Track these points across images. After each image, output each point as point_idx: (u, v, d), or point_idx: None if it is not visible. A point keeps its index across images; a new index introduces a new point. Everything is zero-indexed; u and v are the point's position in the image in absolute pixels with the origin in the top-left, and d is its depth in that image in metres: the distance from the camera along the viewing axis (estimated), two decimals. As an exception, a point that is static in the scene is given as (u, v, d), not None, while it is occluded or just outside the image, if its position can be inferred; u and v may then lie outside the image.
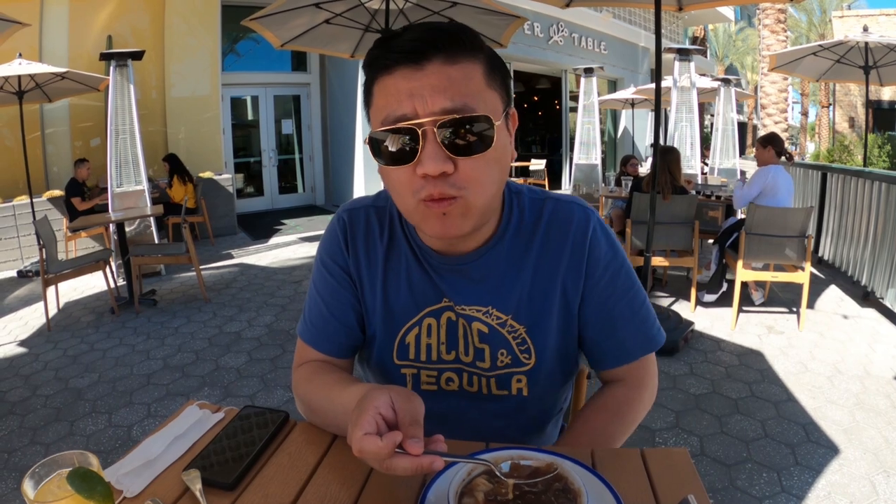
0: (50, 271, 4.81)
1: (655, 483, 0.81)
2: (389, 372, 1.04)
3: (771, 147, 4.90)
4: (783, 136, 15.03)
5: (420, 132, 0.76)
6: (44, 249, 4.73)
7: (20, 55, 5.72)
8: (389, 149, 0.79)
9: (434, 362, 1.02)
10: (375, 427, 0.67)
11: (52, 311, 5.12)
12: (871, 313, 4.87)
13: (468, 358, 1.01)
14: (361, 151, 10.44)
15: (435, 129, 0.76)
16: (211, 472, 0.82)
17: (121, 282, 5.84)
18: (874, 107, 21.40)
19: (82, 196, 6.90)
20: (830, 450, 2.90)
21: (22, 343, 4.58)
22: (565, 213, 0.99)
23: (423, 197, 0.80)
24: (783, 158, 4.88)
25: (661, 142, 5.10)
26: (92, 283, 6.02)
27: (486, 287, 0.97)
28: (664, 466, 0.85)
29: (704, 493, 0.77)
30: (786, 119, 15.81)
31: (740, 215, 4.90)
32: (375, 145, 0.81)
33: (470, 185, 0.80)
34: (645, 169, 8.18)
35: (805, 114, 26.46)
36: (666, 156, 4.99)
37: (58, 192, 7.34)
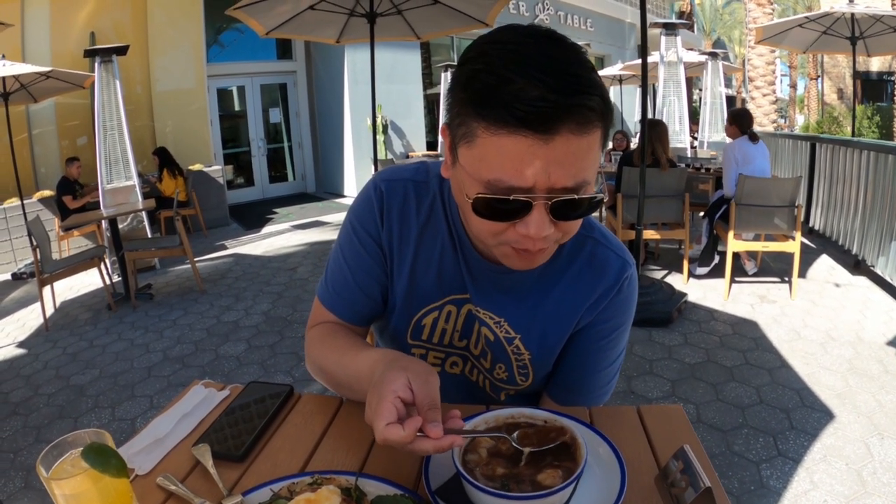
0: (45, 271, 4.80)
1: (652, 437, 0.84)
2: (401, 348, 1.04)
3: (736, 125, 5.04)
4: (771, 108, 15.02)
5: (534, 204, 0.71)
6: (38, 250, 4.72)
7: (3, 56, 5.65)
8: (492, 209, 0.73)
9: (445, 346, 1.03)
10: (395, 414, 0.68)
11: (49, 310, 5.12)
12: (863, 281, 4.92)
13: (476, 351, 1.02)
14: (350, 137, 10.41)
15: (549, 203, 0.71)
16: (220, 445, 0.84)
17: (116, 278, 5.83)
18: (863, 78, 21.43)
19: (73, 194, 6.86)
20: (825, 414, 2.95)
21: (21, 344, 4.58)
22: (602, 261, 0.96)
23: (515, 247, 0.77)
24: (748, 137, 4.95)
25: (650, 116, 5.09)
26: (87, 281, 6.01)
27: (508, 299, 0.96)
28: (660, 422, 0.88)
29: (699, 444, 0.80)
30: (774, 91, 15.78)
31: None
32: (477, 203, 0.74)
33: (564, 236, 0.79)
34: (634, 143, 8.18)
35: (794, 86, 26.45)
36: (654, 129, 5.01)
37: (49, 193, 7.29)
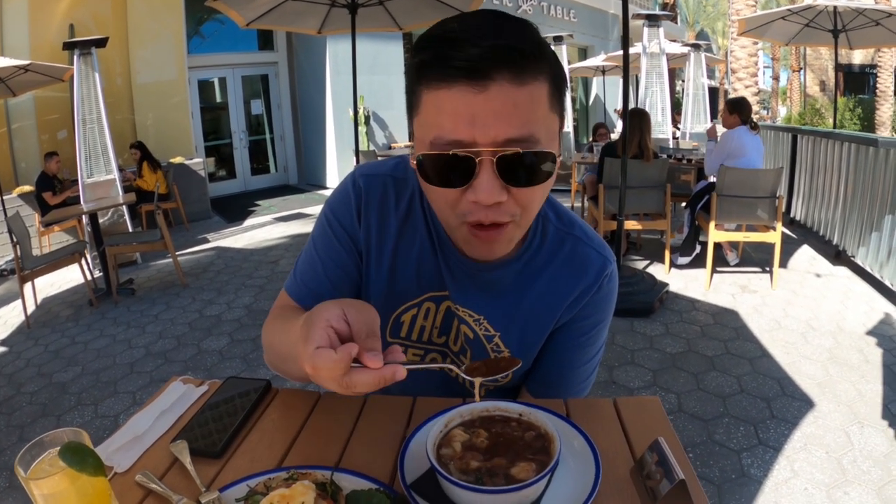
0: (25, 268, 4.75)
1: (628, 429, 0.85)
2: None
3: (737, 114, 4.98)
4: (754, 100, 15.12)
5: (477, 161, 0.69)
6: (18, 246, 4.67)
7: (-21, 50, 5.57)
8: (438, 170, 0.72)
9: (424, 343, 1.02)
10: (328, 340, 0.61)
11: (31, 307, 5.06)
12: (843, 271, 4.99)
13: (456, 347, 1.01)
14: (332, 128, 10.36)
15: (494, 160, 0.69)
16: (198, 442, 0.84)
17: (97, 273, 5.77)
18: (845, 70, 21.66)
19: (53, 190, 6.78)
20: (805, 403, 3.00)
21: (2, 342, 4.53)
22: (582, 258, 0.95)
23: (470, 221, 0.75)
24: (749, 126, 4.94)
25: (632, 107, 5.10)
26: (68, 277, 5.94)
27: (487, 297, 0.95)
28: (636, 414, 0.89)
29: (675, 436, 0.81)
30: (757, 83, 15.89)
31: (712, 179, 4.97)
32: (422, 165, 0.74)
33: (522, 211, 0.75)
34: (616, 134, 8.22)
35: (776, 78, 26.64)
36: (640, 119, 5.02)
37: (28, 188, 7.19)
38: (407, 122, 11.27)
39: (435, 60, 0.69)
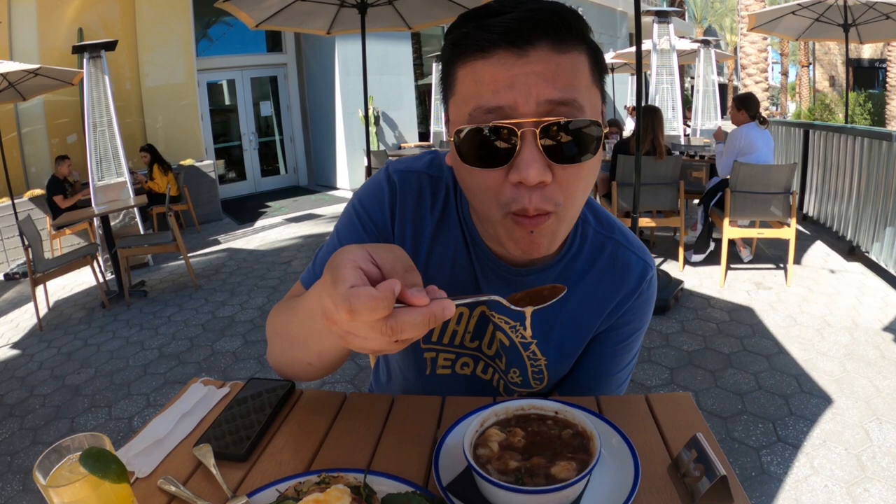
0: (37, 270, 4.77)
1: (662, 426, 0.83)
2: (414, 354, 1.00)
3: (744, 110, 4.92)
4: (763, 95, 15.04)
5: (519, 133, 0.64)
6: (30, 249, 4.68)
7: (-10, 54, 5.60)
8: (477, 147, 0.67)
9: (455, 347, 0.98)
10: (362, 280, 0.52)
11: (43, 310, 5.08)
12: (858, 267, 4.94)
13: (490, 351, 0.98)
14: (342, 129, 10.36)
15: (537, 131, 0.65)
16: (222, 444, 0.82)
17: (109, 275, 5.79)
18: (854, 65, 21.47)
19: (64, 193, 6.81)
20: (823, 399, 2.96)
21: (15, 345, 4.54)
22: (623, 263, 0.92)
23: (513, 210, 0.69)
24: (758, 122, 4.89)
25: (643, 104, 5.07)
26: (80, 280, 5.97)
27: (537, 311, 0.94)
28: (669, 410, 0.87)
29: (710, 432, 0.79)
30: (766, 79, 15.82)
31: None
32: (459, 143, 0.69)
33: (566, 198, 0.70)
34: (627, 131, 8.19)
35: (785, 74, 26.45)
36: (652, 116, 4.99)
37: (39, 192, 7.23)
38: (417, 122, 11.34)
39: (472, 31, 0.67)
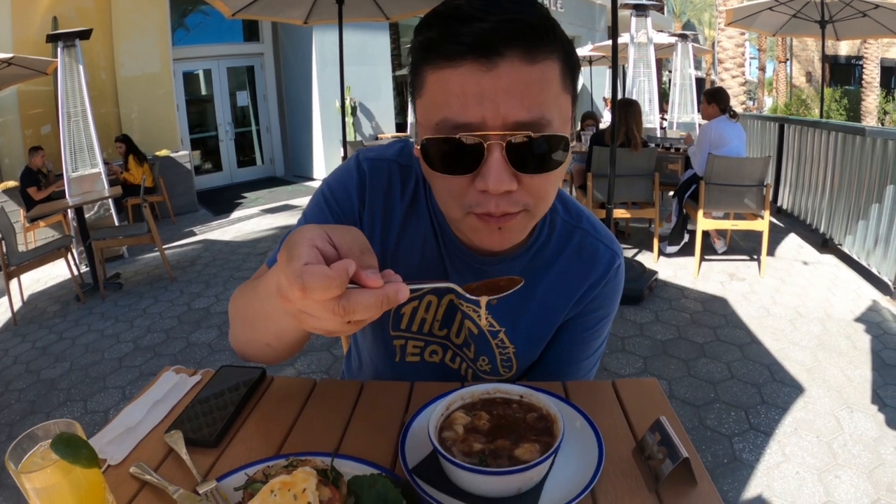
0: (11, 263, 4.69)
1: (628, 410, 0.84)
2: (384, 341, 1.01)
3: (715, 104, 4.98)
4: (740, 90, 15.20)
5: (486, 145, 0.65)
6: (3, 242, 4.59)
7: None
8: (444, 156, 0.68)
9: (424, 334, 0.99)
10: (317, 258, 0.52)
11: (17, 304, 4.98)
12: (830, 259, 5.03)
13: (458, 340, 0.99)
14: (319, 119, 10.30)
15: (504, 144, 0.65)
16: (193, 431, 0.83)
17: (84, 268, 5.71)
18: (831, 62, 21.76)
19: (38, 185, 6.69)
20: (795, 388, 3.02)
21: (-12, 339, 4.47)
22: (591, 252, 0.93)
23: (477, 212, 0.70)
24: (728, 115, 4.95)
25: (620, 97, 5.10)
26: (55, 273, 5.87)
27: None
28: (635, 395, 0.89)
29: (675, 416, 0.81)
30: (743, 74, 15.95)
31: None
32: (426, 150, 0.70)
33: (535, 201, 0.71)
34: (604, 123, 8.24)
35: (762, 69, 26.71)
36: (627, 108, 5.03)
37: (13, 183, 7.08)
38: (394, 113, 11.29)
39: (441, 38, 0.66)
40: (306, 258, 0.50)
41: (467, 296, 0.64)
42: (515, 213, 0.71)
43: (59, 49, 5.90)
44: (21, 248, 5.73)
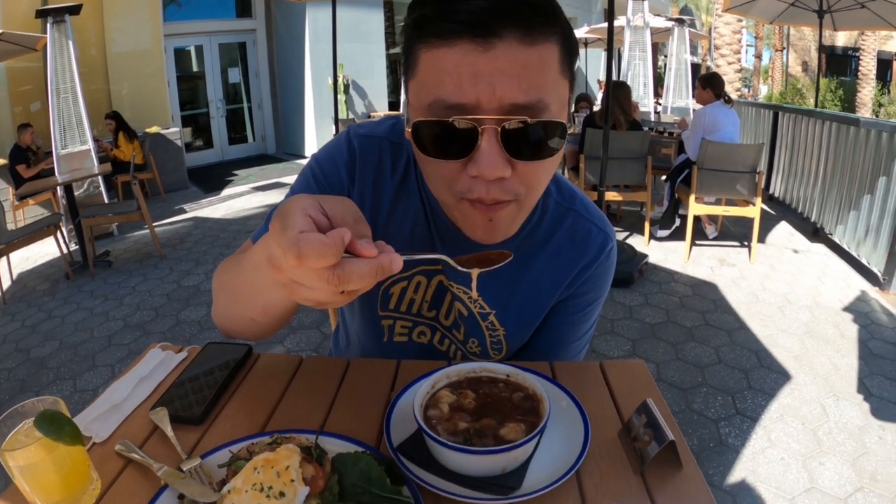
0: (0, 242, 4.64)
1: (615, 392, 0.84)
2: (372, 321, 0.99)
3: (709, 89, 4.96)
4: (735, 77, 15.16)
5: (480, 129, 0.63)
6: (-8, 219, 4.55)
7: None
8: (435, 139, 0.66)
9: (413, 315, 0.98)
10: (311, 226, 0.51)
11: (6, 283, 4.95)
12: (821, 248, 5.05)
13: (447, 322, 0.98)
14: (311, 97, 10.22)
15: (499, 129, 0.63)
16: (178, 408, 0.82)
17: (73, 246, 5.67)
18: (828, 52, 21.73)
19: (27, 162, 6.60)
20: (782, 375, 3.05)
21: (-23, 318, 4.44)
22: (583, 234, 0.92)
23: (468, 198, 0.68)
24: (723, 101, 4.94)
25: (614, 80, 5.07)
26: (44, 251, 5.82)
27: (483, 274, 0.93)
28: (623, 377, 0.89)
29: (662, 398, 0.81)
30: (739, 61, 15.91)
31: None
32: (417, 131, 0.67)
33: (527, 189, 0.69)
34: (598, 106, 8.22)
35: (759, 56, 26.64)
36: (617, 91, 5.00)
37: (1, 161, 6.99)
38: (387, 91, 11.21)
39: (435, 15, 0.63)
40: (301, 226, 0.49)
41: (458, 268, 0.63)
42: (507, 201, 0.69)
43: (48, 25, 5.81)
44: (10, 226, 5.67)
